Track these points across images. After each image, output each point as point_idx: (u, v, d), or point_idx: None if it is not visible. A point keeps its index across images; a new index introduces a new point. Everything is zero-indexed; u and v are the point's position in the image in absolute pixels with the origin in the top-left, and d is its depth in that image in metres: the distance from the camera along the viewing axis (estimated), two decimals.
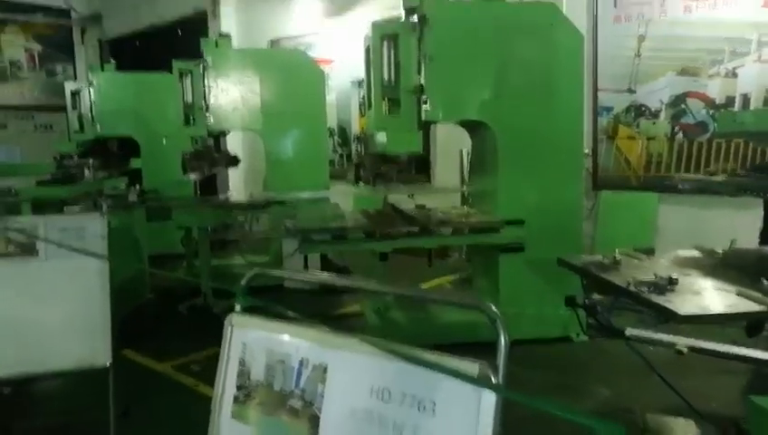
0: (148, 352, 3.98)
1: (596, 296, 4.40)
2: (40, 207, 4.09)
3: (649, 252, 2.75)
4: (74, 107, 6.85)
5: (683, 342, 4.12)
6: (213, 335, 4.48)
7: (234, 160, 5.74)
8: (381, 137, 3.94)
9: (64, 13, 11.39)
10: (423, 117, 3.93)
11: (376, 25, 3.93)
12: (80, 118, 6.78)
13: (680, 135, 5.53)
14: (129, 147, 7.26)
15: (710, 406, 3.02)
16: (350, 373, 1.41)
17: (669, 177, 5.62)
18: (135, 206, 4.92)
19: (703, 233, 5.26)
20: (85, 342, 2.67)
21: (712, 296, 2.30)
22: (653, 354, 3.90)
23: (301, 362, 1.50)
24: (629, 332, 4.19)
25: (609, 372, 3.70)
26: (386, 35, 3.88)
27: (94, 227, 2.83)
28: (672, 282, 2.24)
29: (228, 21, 9.20)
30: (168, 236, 5.88)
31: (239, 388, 1.62)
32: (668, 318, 2.06)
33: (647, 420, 2.77)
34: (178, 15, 9.67)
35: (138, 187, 6.37)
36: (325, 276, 1.72)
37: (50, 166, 5.31)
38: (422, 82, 3.84)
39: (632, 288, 2.16)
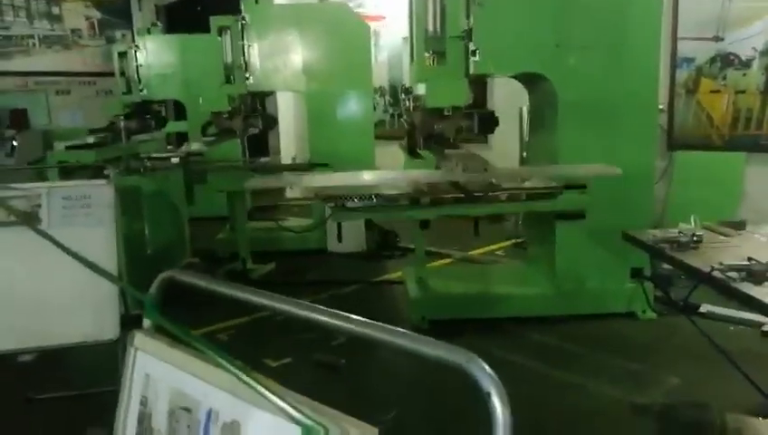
0: (178, 319, 3.83)
1: (666, 267, 3.92)
2: (69, 172, 3.97)
3: (739, 225, 2.26)
4: (122, 71, 6.77)
5: None
6: (246, 304, 4.33)
7: (270, 120, 5.47)
8: (422, 90, 3.54)
9: None
10: (472, 69, 3.50)
11: None
12: (127, 81, 6.70)
13: None
14: (181, 109, 7.18)
15: None
16: None
17: (760, 135, 4.93)
18: (171, 169, 4.75)
19: None
20: (91, 315, 2.50)
21: None
22: (733, 336, 3.42)
23: (209, 415, 1.10)
24: (707, 309, 3.72)
25: (678, 355, 3.26)
26: None
27: (101, 194, 2.62)
28: None
29: None
30: (217, 199, 5.75)
31: None
32: None
33: (726, 421, 2.33)
34: None
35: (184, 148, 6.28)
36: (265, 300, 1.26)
37: (82, 131, 5.22)
38: (471, 27, 3.40)
39: (718, 274, 1.70)
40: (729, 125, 5.14)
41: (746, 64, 4.99)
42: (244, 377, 0.96)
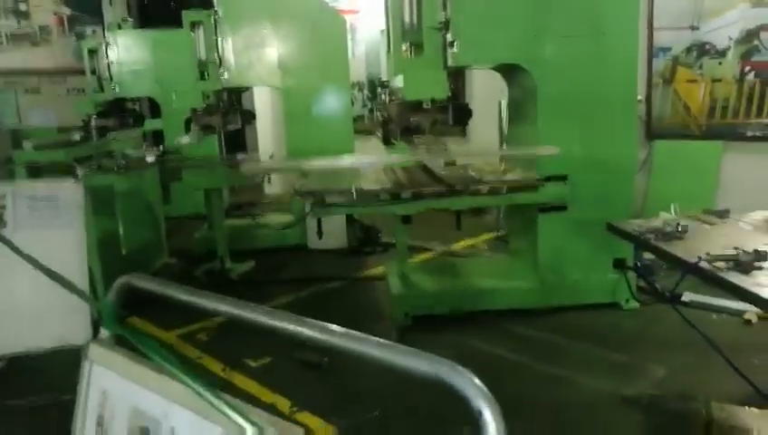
0: (155, 320, 3.74)
1: (648, 257, 3.92)
2: (38, 173, 3.83)
3: (723, 214, 2.24)
4: (93, 68, 6.58)
5: (752, 310, 3.65)
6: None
7: (249, 116, 5.37)
8: (400, 82, 3.48)
9: None
10: (450, 61, 3.45)
11: None
12: (99, 78, 6.52)
13: (751, 75, 4.85)
14: (156, 106, 7.02)
15: None
16: None
17: (736, 123, 4.97)
18: (146, 167, 4.62)
19: None
20: (61, 319, 2.41)
21: None
22: (716, 324, 3.43)
23: None
24: (689, 298, 3.73)
25: (663, 345, 3.25)
26: None
27: (69, 195, 2.52)
28: (761, 257, 1.71)
29: None
30: (194, 197, 5.63)
31: None
32: (762, 307, 1.58)
33: (712, 410, 2.32)
34: None
35: (160, 147, 6.13)
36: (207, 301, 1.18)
37: (51, 131, 5.05)
38: (448, 18, 3.34)
39: (706, 265, 1.67)
40: (706, 114, 5.17)
41: (722, 53, 5.02)
42: (208, 395, 0.89)
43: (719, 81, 5.04)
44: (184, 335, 3.55)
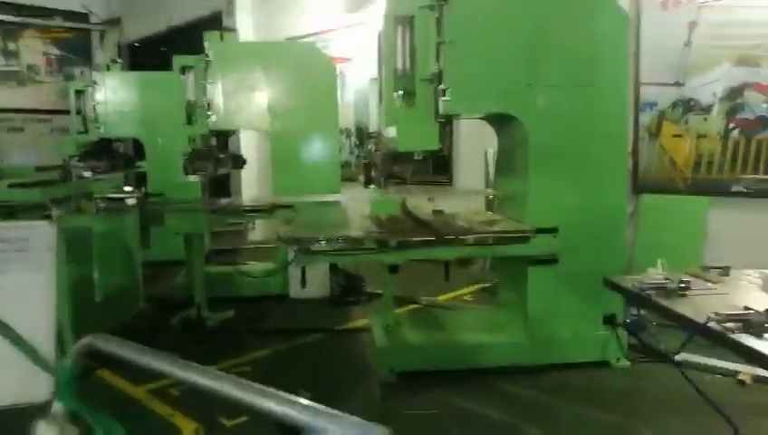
0: (126, 374, 3.53)
1: (638, 313, 3.83)
2: (12, 213, 3.67)
3: (724, 271, 2.16)
4: (78, 109, 6.53)
5: (747, 370, 3.55)
6: (201, 355, 4.01)
7: (239, 161, 5.30)
8: (393, 133, 3.44)
9: (83, 16, 11.25)
10: (441, 110, 3.42)
11: (389, 4, 3.44)
12: (84, 119, 6.45)
13: (736, 132, 4.91)
14: (140, 148, 6.93)
15: None
16: None
17: (722, 179, 4.99)
18: (126, 210, 4.50)
19: (762, 243, 4.65)
20: (24, 373, 2.21)
21: None
22: (709, 385, 3.32)
23: None
24: (681, 357, 3.62)
25: (655, 406, 3.13)
26: (400, 17, 3.38)
27: (40, 236, 2.38)
28: None
29: (244, 19, 8.91)
30: (175, 242, 5.47)
31: None
32: None
33: None
34: (195, 16, 9.49)
35: (143, 189, 6.02)
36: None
37: (29, 170, 4.92)
38: (441, 69, 3.33)
39: (714, 325, 1.58)
40: (692, 168, 5.20)
41: (707, 110, 5.09)
42: None
43: (704, 136, 5.10)
44: (155, 390, 3.34)
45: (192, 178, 4.78)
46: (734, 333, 1.54)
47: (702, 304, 1.80)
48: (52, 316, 2.37)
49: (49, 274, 2.40)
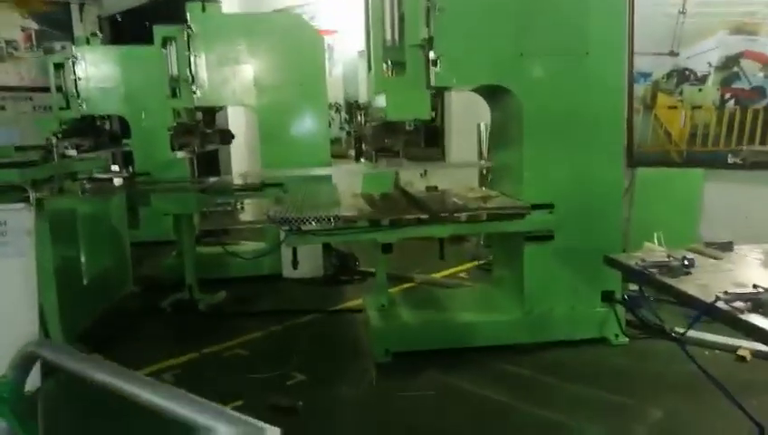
0: (117, 358, 3.45)
1: (636, 289, 3.79)
2: None
3: (726, 247, 2.09)
4: (59, 85, 6.32)
5: (746, 346, 3.52)
6: (195, 337, 3.93)
7: (227, 136, 5.17)
8: (383, 102, 3.33)
9: None
10: (433, 81, 3.31)
11: None
12: (65, 95, 6.26)
13: (731, 102, 4.84)
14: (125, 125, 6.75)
15: None
16: None
17: (718, 150, 4.93)
18: (113, 191, 4.37)
19: (759, 215, 4.61)
20: (5, 365, 2.13)
21: None
22: (709, 361, 3.29)
23: None
24: (680, 332, 3.59)
25: (656, 383, 3.09)
26: None
27: (18, 220, 2.27)
28: None
29: None
30: (165, 221, 5.36)
31: None
32: None
33: None
34: None
35: (130, 169, 5.88)
36: None
37: (8, 149, 4.75)
38: (431, 35, 3.22)
39: (723, 305, 1.52)
40: (687, 141, 5.14)
41: (702, 80, 5.01)
42: None
43: (699, 107, 5.03)
44: (148, 375, 3.27)
45: (179, 154, 4.63)
46: (743, 313, 1.48)
47: (708, 283, 1.73)
48: (35, 301, 2.28)
49: (29, 258, 2.30)
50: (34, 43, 10.80)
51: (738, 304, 1.53)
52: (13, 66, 10.56)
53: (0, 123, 10.36)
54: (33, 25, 10.75)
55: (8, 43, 10.57)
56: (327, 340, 3.86)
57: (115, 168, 6.12)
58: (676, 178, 5.23)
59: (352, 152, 3.98)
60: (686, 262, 1.89)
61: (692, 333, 3.45)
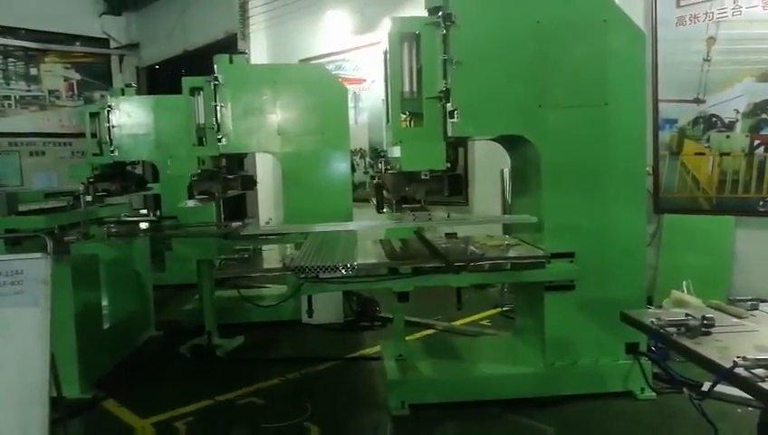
0: (132, 404, 3.45)
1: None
2: (18, 242, 3.63)
3: (753, 305, 2.01)
4: (94, 132, 6.56)
5: None
6: (211, 383, 3.91)
7: (250, 182, 5.25)
8: (398, 152, 3.35)
9: (103, 42, 11.45)
10: (450, 132, 3.32)
11: (394, 22, 3.36)
12: (99, 142, 6.48)
13: (761, 149, 4.73)
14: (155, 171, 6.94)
15: None
16: None
17: (748, 197, 4.80)
18: (137, 235, 4.45)
19: None
20: (15, 413, 2.15)
21: None
22: (740, 420, 3.12)
23: None
24: (699, 396, 3.42)
25: None
26: (405, 35, 3.31)
27: (35, 270, 2.32)
28: None
29: (258, 42, 8.99)
30: (190, 264, 5.41)
31: None
32: None
33: None
34: (211, 39, 9.60)
35: (158, 212, 6.01)
36: None
37: (39, 195, 4.91)
38: (448, 87, 3.25)
39: (743, 371, 1.44)
40: (716, 187, 5.02)
41: (729, 127, 4.93)
42: None
43: (728, 154, 4.93)
44: (161, 423, 3.26)
45: (190, 203, 4.70)
46: (763, 381, 1.39)
47: (729, 344, 1.65)
48: (47, 351, 2.30)
49: (44, 308, 2.33)
50: (76, 92, 11.32)
51: (759, 371, 1.44)
52: (54, 114, 11.05)
53: (40, 168, 10.80)
54: (76, 76, 11.29)
55: (51, 92, 11.10)
56: (344, 389, 3.79)
57: (144, 211, 6.28)
58: (706, 225, 5.11)
59: (374, 201, 3.98)
60: (705, 321, 1.81)
61: (725, 389, 3.29)
